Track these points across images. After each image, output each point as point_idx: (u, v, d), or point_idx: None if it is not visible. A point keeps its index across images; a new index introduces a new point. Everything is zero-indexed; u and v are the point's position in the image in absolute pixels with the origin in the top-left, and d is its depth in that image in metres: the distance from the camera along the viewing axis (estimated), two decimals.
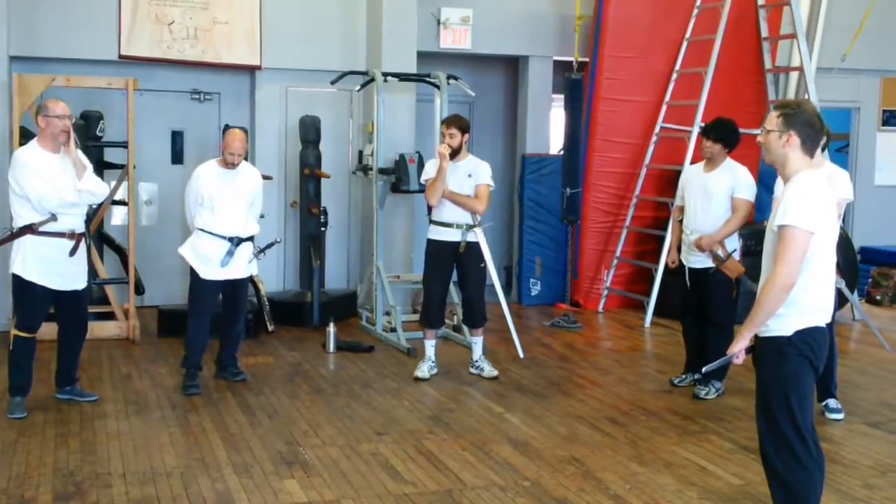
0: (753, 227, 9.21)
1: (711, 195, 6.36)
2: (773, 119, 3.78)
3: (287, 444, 5.42)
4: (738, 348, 3.82)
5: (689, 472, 5.09)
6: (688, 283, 6.52)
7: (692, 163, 8.09)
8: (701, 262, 6.40)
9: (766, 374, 3.80)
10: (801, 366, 3.72)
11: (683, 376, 6.78)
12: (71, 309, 6.01)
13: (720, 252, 6.28)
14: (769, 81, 9.86)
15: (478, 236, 6.88)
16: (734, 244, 6.43)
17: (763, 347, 3.80)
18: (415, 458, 5.22)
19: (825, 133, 3.84)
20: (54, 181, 5.70)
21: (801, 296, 3.66)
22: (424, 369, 6.93)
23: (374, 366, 7.31)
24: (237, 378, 6.72)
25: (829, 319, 3.81)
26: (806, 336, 3.70)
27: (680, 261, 6.61)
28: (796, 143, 3.71)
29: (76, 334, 6.13)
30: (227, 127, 6.99)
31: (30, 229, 5.71)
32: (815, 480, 3.82)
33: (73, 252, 5.82)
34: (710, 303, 6.43)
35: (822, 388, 6.17)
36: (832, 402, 6.14)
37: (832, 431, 5.87)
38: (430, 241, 6.93)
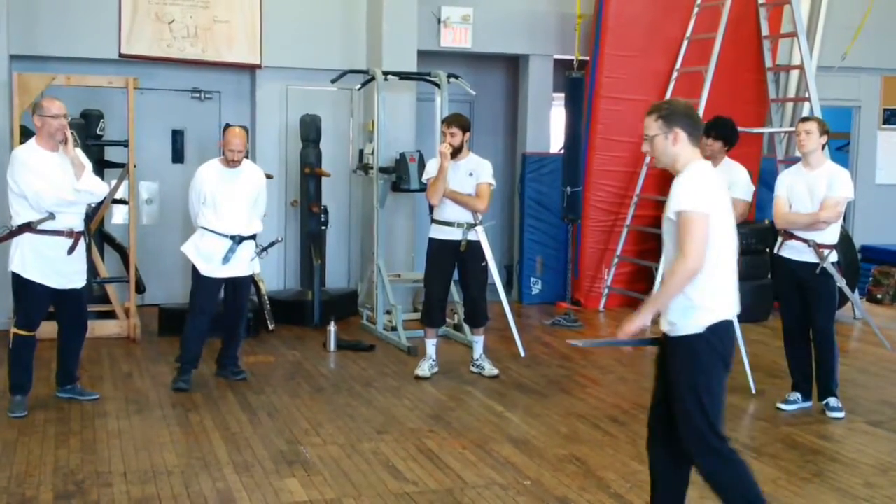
0: (754, 227, 9.24)
1: None
2: (652, 124, 3.77)
3: (288, 442, 5.43)
4: (635, 328, 3.74)
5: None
6: None
7: None
8: None
9: (679, 375, 3.73)
10: (713, 362, 3.67)
11: None
12: (70, 307, 6.01)
13: None
14: (770, 80, 9.86)
15: (479, 235, 6.88)
16: None
17: (674, 348, 3.75)
18: (415, 457, 5.22)
19: (702, 123, 3.86)
20: (53, 180, 5.70)
21: (706, 290, 3.64)
22: (425, 368, 6.93)
23: (375, 364, 7.31)
24: (237, 377, 6.72)
25: (737, 311, 3.77)
26: (716, 331, 3.66)
27: None
28: (683, 138, 3.73)
29: (76, 333, 6.12)
30: (227, 126, 7.00)
31: (28, 227, 5.71)
32: (747, 473, 3.78)
33: (71, 250, 5.81)
34: None
35: (822, 387, 6.18)
36: (833, 401, 6.13)
37: (833, 430, 5.88)
38: (431, 240, 6.93)
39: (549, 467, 5.11)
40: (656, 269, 9.06)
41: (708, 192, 3.66)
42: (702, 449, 3.75)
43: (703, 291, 3.65)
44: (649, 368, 7.01)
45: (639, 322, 3.75)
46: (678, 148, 3.73)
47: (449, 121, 6.84)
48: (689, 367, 3.69)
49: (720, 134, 6.40)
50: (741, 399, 6.46)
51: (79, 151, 5.91)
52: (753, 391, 6.55)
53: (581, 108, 9.24)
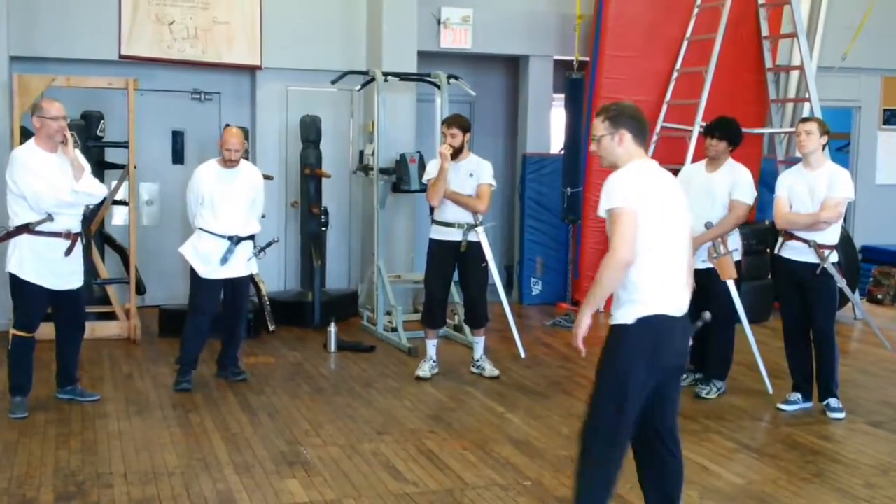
0: (754, 227, 9.23)
1: (715, 195, 6.33)
2: (599, 126, 3.86)
3: (288, 443, 5.42)
4: (583, 330, 3.79)
5: (690, 472, 5.06)
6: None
7: (693, 162, 8.08)
8: (704, 262, 6.37)
9: (602, 361, 3.82)
10: (635, 355, 3.71)
11: (683, 376, 6.73)
12: (68, 308, 6.01)
13: (721, 247, 6.29)
14: (770, 80, 9.86)
15: (479, 236, 6.87)
16: (735, 244, 6.41)
17: (607, 336, 3.84)
18: (416, 458, 5.22)
19: (647, 123, 3.89)
20: (52, 181, 5.69)
21: (642, 284, 3.70)
22: (426, 369, 6.93)
23: (376, 365, 7.31)
24: (238, 378, 6.72)
25: (679, 309, 3.78)
26: (646, 324, 3.70)
27: None
28: (628, 139, 3.81)
29: (74, 334, 6.12)
30: (226, 126, 7.01)
31: (26, 228, 5.71)
32: (610, 487, 3.79)
33: (68, 252, 5.81)
34: (711, 301, 6.41)
35: (822, 388, 6.18)
36: (833, 402, 6.13)
37: (833, 431, 5.88)
38: (431, 241, 6.93)
39: (550, 468, 5.10)
40: None
41: (638, 189, 3.70)
42: (596, 439, 3.78)
43: (635, 285, 3.72)
44: None
45: (584, 322, 3.81)
46: (623, 148, 3.82)
47: (449, 122, 6.84)
48: (611, 354, 3.78)
49: (724, 134, 6.38)
50: (744, 399, 6.45)
51: (78, 153, 5.91)
52: (770, 391, 6.53)
53: (581, 109, 9.25)
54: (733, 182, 6.31)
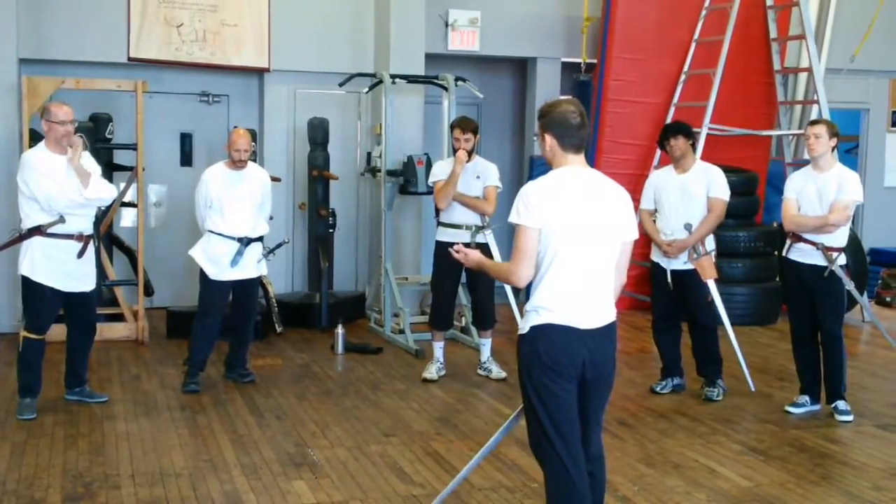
0: (762, 229, 9.22)
1: (692, 195, 6.31)
2: (538, 126, 3.83)
3: (295, 445, 5.43)
4: (470, 257, 3.97)
5: (697, 474, 5.08)
6: (670, 285, 6.42)
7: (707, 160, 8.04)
8: (685, 263, 6.35)
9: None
10: (531, 363, 3.72)
11: (664, 383, 6.68)
12: (79, 310, 6.03)
13: (700, 247, 6.29)
14: (778, 83, 9.85)
15: (487, 238, 6.88)
16: (711, 245, 6.40)
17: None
18: (423, 460, 5.22)
19: (584, 126, 3.72)
20: (63, 182, 5.71)
21: (541, 295, 3.70)
22: (433, 371, 6.94)
23: (383, 367, 7.32)
24: (245, 379, 6.74)
25: (587, 320, 3.67)
26: (539, 332, 3.69)
27: (657, 263, 6.53)
28: (553, 144, 3.72)
29: (84, 336, 6.14)
30: (234, 128, 7.03)
31: (38, 231, 5.73)
32: (576, 492, 3.73)
33: (80, 254, 5.83)
34: (693, 304, 6.39)
35: (830, 390, 6.17)
36: (841, 405, 6.11)
37: (841, 433, 5.86)
38: (438, 243, 6.93)
39: None
40: None
41: (542, 204, 3.61)
42: (538, 451, 3.81)
43: (533, 296, 3.72)
44: (656, 371, 7.00)
45: (475, 258, 4.01)
46: (550, 153, 3.75)
47: (463, 126, 6.80)
48: (518, 365, 3.82)
49: (678, 130, 6.37)
50: (750, 402, 6.44)
51: (87, 156, 5.93)
52: (753, 389, 6.57)
53: (588, 111, 9.23)
54: (709, 181, 6.32)
